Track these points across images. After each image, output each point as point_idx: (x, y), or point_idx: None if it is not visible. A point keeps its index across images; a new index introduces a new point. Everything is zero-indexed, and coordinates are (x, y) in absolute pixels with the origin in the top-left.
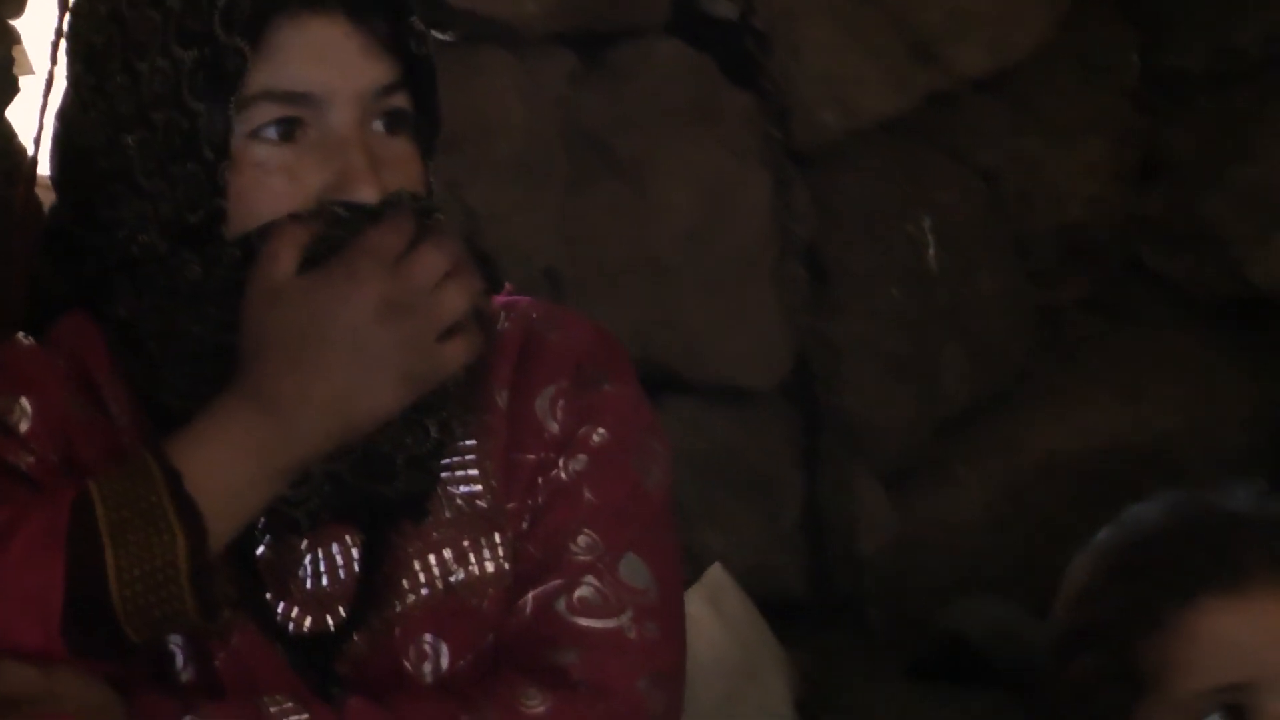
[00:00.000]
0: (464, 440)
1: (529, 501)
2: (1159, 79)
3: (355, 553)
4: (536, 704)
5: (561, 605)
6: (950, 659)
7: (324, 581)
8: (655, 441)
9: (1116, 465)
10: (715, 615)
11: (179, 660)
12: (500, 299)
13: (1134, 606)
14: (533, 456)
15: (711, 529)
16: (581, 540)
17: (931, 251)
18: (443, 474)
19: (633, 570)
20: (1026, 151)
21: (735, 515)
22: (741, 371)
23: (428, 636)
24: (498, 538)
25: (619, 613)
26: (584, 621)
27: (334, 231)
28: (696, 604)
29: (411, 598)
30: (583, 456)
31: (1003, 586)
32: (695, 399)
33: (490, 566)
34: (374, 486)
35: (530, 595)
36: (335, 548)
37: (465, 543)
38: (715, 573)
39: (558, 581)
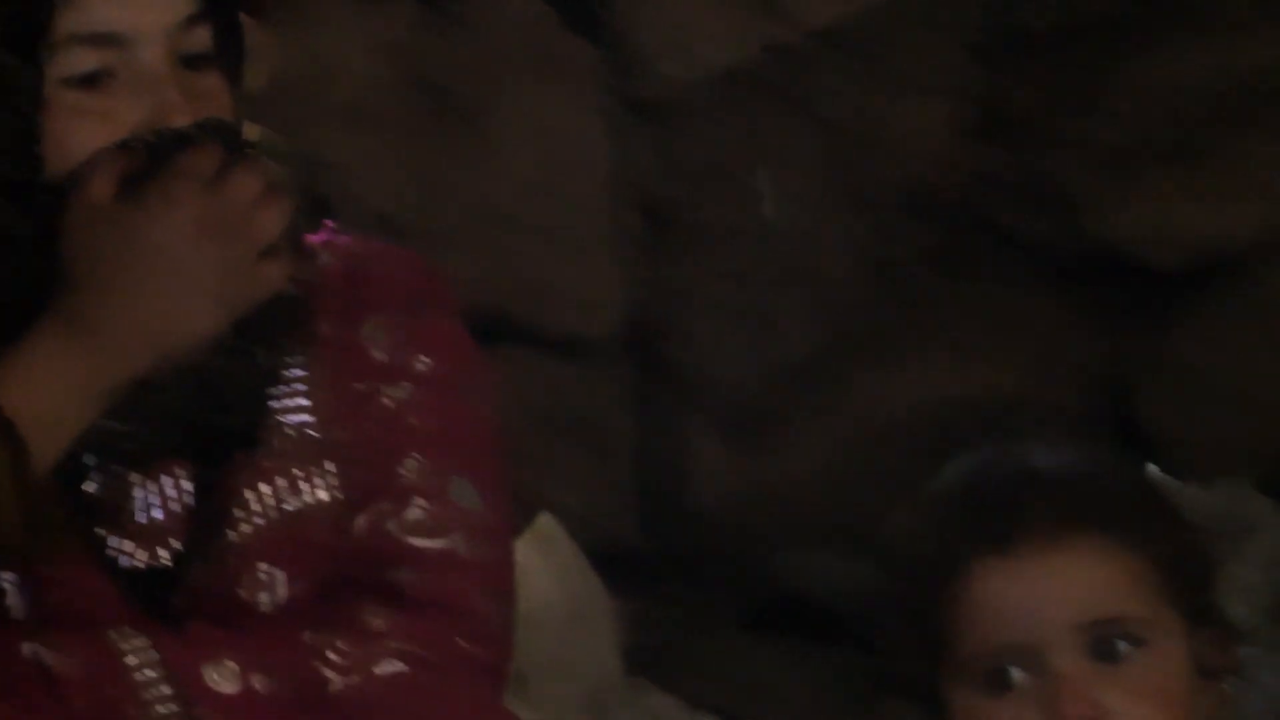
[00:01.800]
0: (293, 370)
1: (357, 429)
2: (1004, 33)
3: (187, 485)
4: (378, 620)
5: (393, 526)
6: (785, 613)
7: (157, 514)
8: (479, 371)
9: (957, 422)
10: (544, 564)
11: (10, 595)
12: (320, 236)
13: (922, 571)
14: (360, 385)
15: (544, 478)
16: (409, 463)
17: (773, 204)
18: (273, 404)
19: (462, 492)
20: (870, 105)
21: (568, 465)
22: (579, 321)
23: (263, 566)
24: (329, 465)
25: (450, 532)
26: (416, 541)
27: (150, 161)
28: (524, 553)
29: (245, 528)
30: (407, 384)
31: (842, 540)
32: (532, 348)
33: (324, 495)
34: (206, 417)
35: (361, 517)
36: (167, 481)
37: (297, 471)
38: (544, 521)
39: (386, 503)
